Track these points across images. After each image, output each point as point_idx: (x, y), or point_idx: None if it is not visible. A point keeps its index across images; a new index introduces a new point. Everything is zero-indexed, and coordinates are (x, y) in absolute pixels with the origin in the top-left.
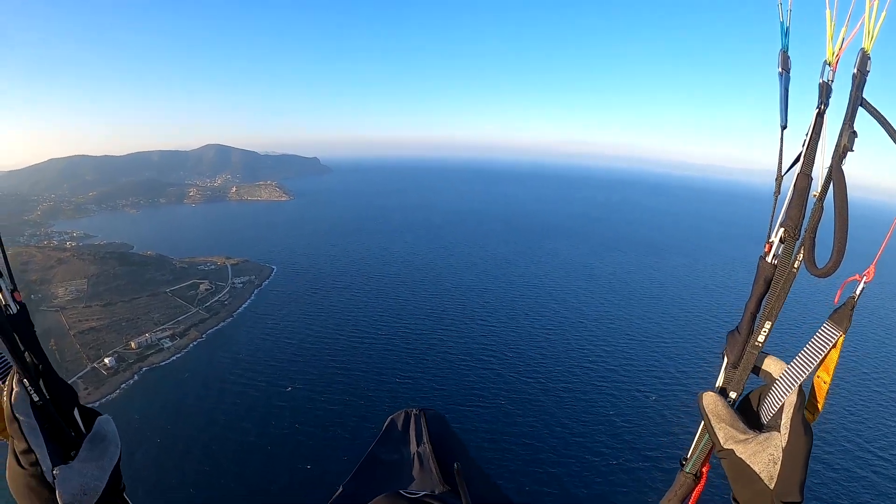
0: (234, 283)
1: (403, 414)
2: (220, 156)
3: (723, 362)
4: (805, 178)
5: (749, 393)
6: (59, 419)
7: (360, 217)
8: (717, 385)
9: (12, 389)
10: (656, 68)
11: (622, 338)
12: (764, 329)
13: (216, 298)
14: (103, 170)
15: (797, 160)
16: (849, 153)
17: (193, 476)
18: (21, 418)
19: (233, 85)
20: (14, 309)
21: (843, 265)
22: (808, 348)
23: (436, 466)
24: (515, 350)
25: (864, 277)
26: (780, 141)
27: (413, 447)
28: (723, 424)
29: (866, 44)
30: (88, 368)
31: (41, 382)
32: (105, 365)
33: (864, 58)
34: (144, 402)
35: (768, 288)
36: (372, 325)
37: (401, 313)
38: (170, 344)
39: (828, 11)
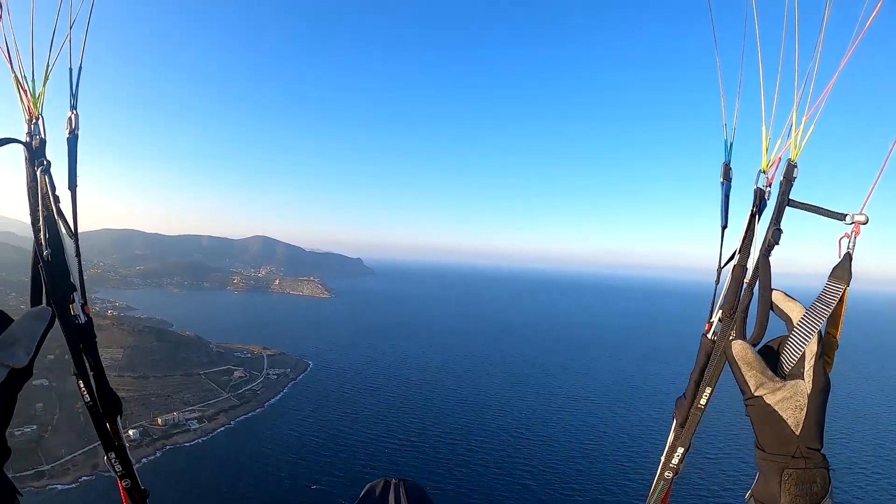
0: (268, 374)
1: (382, 482)
2: (266, 247)
3: (673, 423)
4: (740, 268)
5: (768, 342)
6: (103, 420)
7: (399, 321)
8: (668, 441)
9: None
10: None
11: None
12: (705, 393)
13: (249, 387)
14: (153, 246)
15: (733, 255)
16: (775, 246)
17: None
18: None
19: (282, 181)
20: (83, 320)
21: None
22: (817, 303)
23: None
24: (552, 468)
25: (854, 233)
26: (720, 238)
27: None
28: (753, 371)
29: (793, 154)
30: None
31: (94, 387)
32: (129, 437)
33: (790, 166)
34: (161, 481)
35: (708, 359)
36: (403, 431)
37: (434, 420)
38: (197, 426)
39: (763, 128)
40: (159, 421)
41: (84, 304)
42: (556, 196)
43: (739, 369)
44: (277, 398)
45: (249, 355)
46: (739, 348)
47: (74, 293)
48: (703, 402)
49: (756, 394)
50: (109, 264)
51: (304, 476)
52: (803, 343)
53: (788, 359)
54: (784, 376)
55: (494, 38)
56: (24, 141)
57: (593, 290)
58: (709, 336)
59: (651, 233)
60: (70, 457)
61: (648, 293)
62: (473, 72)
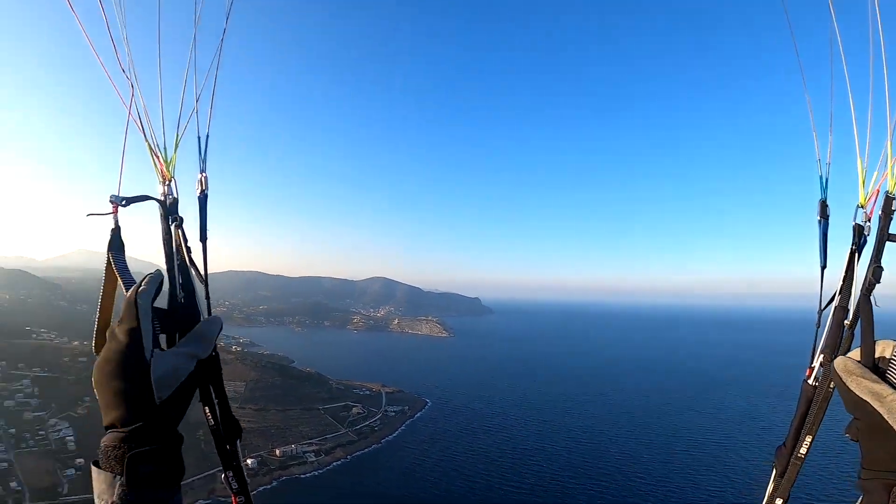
0: (386, 411)
1: None
2: (386, 288)
3: (772, 472)
4: (841, 310)
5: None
6: (224, 442)
7: (518, 360)
8: (766, 491)
9: (140, 286)
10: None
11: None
12: (805, 442)
13: (367, 423)
14: (276, 287)
15: (833, 296)
16: (876, 285)
17: None
18: (140, 303)
19: (401, 224)
20: (212, 353)
21: None
22: None
23: None
24: None
25: None
26: (820, 279)
27: None
28: (853, 377)
29: (890, 186)
30: None
31: (218, 413)
32: (247, 465)
33: (889, 199)
34: None
35: (809, 406)
36: (520, 475)
37: (554, 466)
38: (314, 459)
39: (859, 161)
40: (277, 452)
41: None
42: (664, 232)
43: (844, 381)
44: (394, 435)
45: (368, 392)
46: (840, 361)
47: None
48: (802, 451)
49: (863, 397)
50: (235, 304)
51: None
52: None
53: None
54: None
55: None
56: (160, 199)
57: (722, 324)
58: (810, 382)
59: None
60: (189, 480)
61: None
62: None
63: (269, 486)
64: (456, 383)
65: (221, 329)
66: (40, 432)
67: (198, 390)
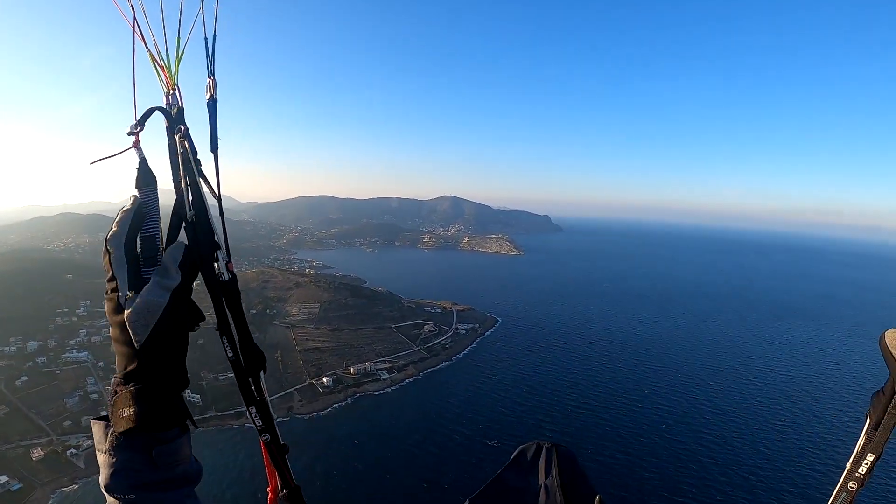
0: (457, 329)
1: (535, 445)
2: (454, 207)
3: (865, 422)
4: None
5: None
6: (245, 375)
7: (588, 280)
8: (856, 445)
9: (112, 228)
10: None
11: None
12: None
13: (438, 341)
14: (346, 210)
15: None
16: None
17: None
18: (111, 250)
19: (469, 142)
20: (226, 277)
21: None
22: None
23: (562, 499)
24: (722, 451)
25: None
26: None
27: (541, 478)
28: None
29: None
30: (306, 383)
31: (237, 343)
32: (322, 383)
33: None
34: (350, 425)
35: None
36: (587, 393)
37: (620, 385)
38: (387, 376)
39: None
40: (352, 370)
41: (228, 262)
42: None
43: (893, 356)
44: (465, 352)
45: (439, 310)
46: (892, 336)
47: (218, 251)
48: None
49: None
50: (306, 228)
51: (483, 431)
52: None
53: None
54: None
55: None
56: (163, 108)
57: (796, 252)
58: None
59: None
60: (268, 400)
61: (859, 258)
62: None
63: (343, 403)
64: (527, 302)
65: (185, 252)
66: None
67: (218, 321)
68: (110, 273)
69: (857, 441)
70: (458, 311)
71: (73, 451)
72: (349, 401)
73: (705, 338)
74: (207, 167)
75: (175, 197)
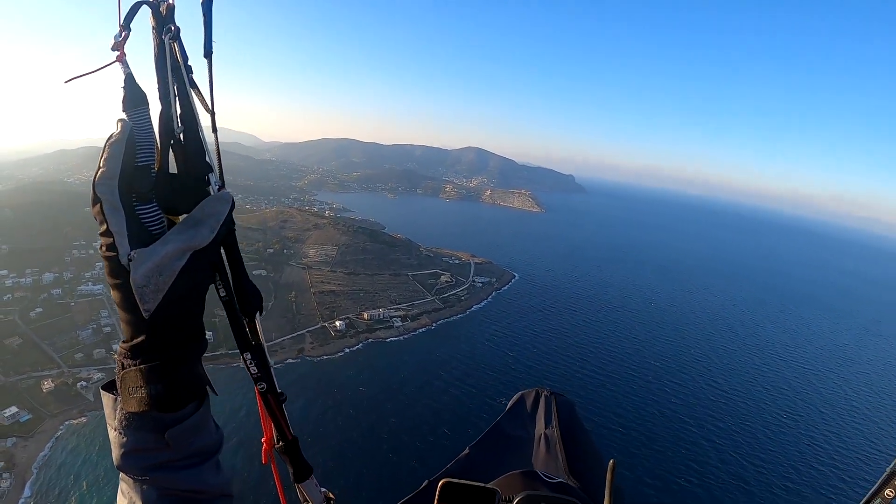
0: (474, 281)
1: (534, 393)
2: (479, 159)
3: None
4: None
5: None
6: (239, 317)
7: (608, 244)
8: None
9: (99, 167)
10: None
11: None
12: None
13: (454, 292)
14: (369, 154)
15: None
16: None
17: (354, 448)
18: (103, 197)
19: (497, 94)
20: None
21: None
22: None
23: (562, 454)
24: (747, 426)
25: None
26: None
27: (540, 427)
28: None
29: None
30: (319, 326)
31: (231, 281)
32: (335, 327)
33: None
34: (359, 370)
35: None
36: (598, 357)
37: (631, 350)
38: (400, 324)
39: None
40: (365, 315)
41: (221, 186)
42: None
43: None
44: (480, 305)
45: (457, 261)
46: None
47: (210, 174)
48: None
49: None
50: (328, 170)
51: (492, 389)
52: None
53: None
54: None
55: None
56: (151, 1)
57: (818, 238)
58: None
59: None
60: (279, 340)
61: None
62: None
63: (354, 348)
64: (545, 260)
65: (233, 207)
66: None
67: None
68: (105, 227)
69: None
70: (475, 263)
71: (83, 383)
72: (360, 346)
73: (721, 317)
74: (200, 77)
75: (161, 109)
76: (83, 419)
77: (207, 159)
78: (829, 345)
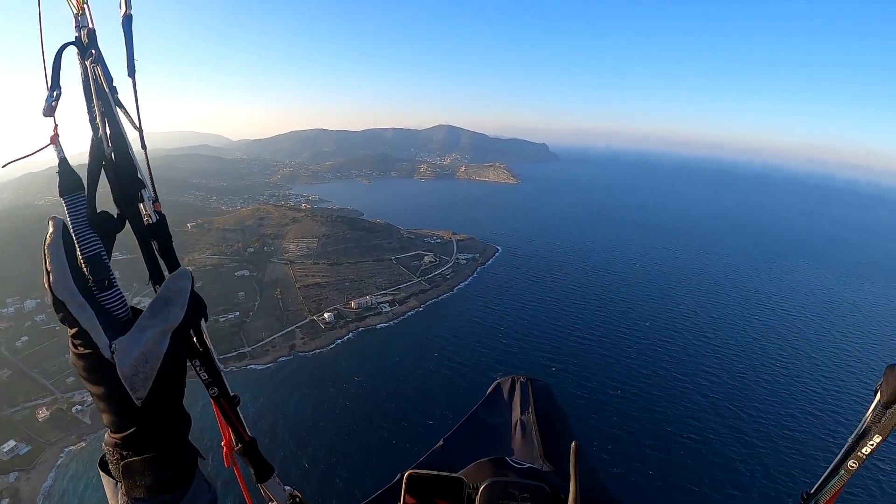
0: (458, 259)
1: (510, 380)
2: (451, 136)
3: (874, 398)
4: None
5: None
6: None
7: (585, 210)
8: (861, 422)
9: (48, 272)
10: None
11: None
12: None
13: (439, 271)
14: (340, 143)
15: None
16: None
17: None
18: (64, 296)
19: (463, 69)
20: (154, 219)
21: None
22: None
23: (538, 438)
24: (740, 378)
25: None
26: None
27: (516, 414)
28: None
29: None
30: (307, 320)
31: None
32: (324, 319)
33: None
34: (353, 360)
35: None
36: (585, 323)
37: (619, 315)
38: (388, 309)
39: None
40: (353, 304)
41: (155, 201)
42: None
43: None
44: (466, 283)
45: (439, 240)
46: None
47: (143, 190)
48: None
49: None
50: (300, 163)
51: (484, 366)
52: None
53: None
54: None
55: None
56: (73, 40)
57: (794, 187)
58: None
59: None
60: (270, 339)
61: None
62: None
63: (345, 338)
64: (527, 230)
65: (193, 281)
66: None
67: (149, 268)
68: (77, 328)
69: (862, 417)
70: (457, 240)
71: (79, 407)
72: (351, 336)
73: (707, 272)
74: (126, 97)
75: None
76: (82, 444)
77: (139, 176)
78: (815, 290)
